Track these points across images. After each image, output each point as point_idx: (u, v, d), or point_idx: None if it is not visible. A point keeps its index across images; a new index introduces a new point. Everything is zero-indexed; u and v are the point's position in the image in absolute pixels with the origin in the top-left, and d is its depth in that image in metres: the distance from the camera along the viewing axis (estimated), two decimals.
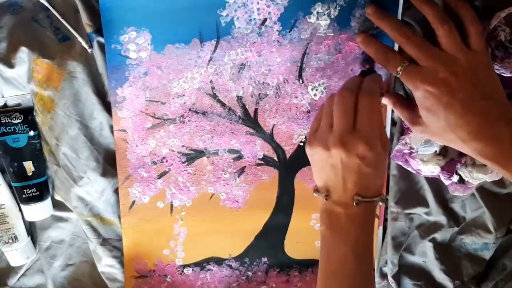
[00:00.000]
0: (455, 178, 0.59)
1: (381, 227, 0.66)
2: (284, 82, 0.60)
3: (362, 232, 0.49)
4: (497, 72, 0.55)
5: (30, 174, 0.62)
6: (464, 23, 0.47)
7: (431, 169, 0.59)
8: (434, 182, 0.63)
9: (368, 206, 0.49)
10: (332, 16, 0.57)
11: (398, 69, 0.48)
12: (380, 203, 0.50)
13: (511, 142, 0.44)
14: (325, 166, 0.48)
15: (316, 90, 0.61)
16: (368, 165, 0.46)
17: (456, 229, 0.65)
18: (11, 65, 0.59)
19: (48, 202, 0.64)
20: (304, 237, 0.66)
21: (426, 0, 0.47)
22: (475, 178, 0.58)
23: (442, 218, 0.65)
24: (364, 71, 0.59)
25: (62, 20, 0.58)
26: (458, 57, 0.45)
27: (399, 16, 0.57)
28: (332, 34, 0.58)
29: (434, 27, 0.46)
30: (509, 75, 0.55)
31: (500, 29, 0.54)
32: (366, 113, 0.46)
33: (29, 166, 0.61)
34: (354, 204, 0.47)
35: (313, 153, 0.49)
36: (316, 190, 0.52)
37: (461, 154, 0.59)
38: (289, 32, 0.58)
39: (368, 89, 0.48)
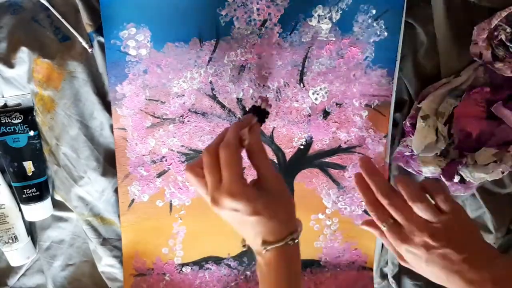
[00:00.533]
0: (457, 178, 0.59)
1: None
2: (285, 85, 0.60)
3: (281, 277, 0.47)
4: (498, 72, 0.55)
5: (30, 174, 0.62)
6: (431, 195, 0.50)
7: (432, 170, 0.59)
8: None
9: (280, 250, 0.47)
10: (334, 20, 0.57)
11: (383, 225, 0.51)
12: (291, 243, 0.47)
13: (493, 284, 0.45)
14: (226, 220, 0.47)
15: (317, 94, 0.60)
16: (248, 214, 0.44)
17: None
18: (11, 65, 0.59)
19: (48, 202, 0.64)
20: (303, 238, 0.64)
21: (405, 182, 0.50)
22: (476, 178, 0.57)
23: None
24: (254, 106, 0.55)
25: (63, 20, 0.58)
26: (434, 221, 0.49)
27: (403, 16, 0.57)
28: (334, 39, 0.58)
29: (411, 205, 0.49)
30: (510, 74, 0.55)
31: (500, 28, 0.54)
32: (226, 166, 0.45)
33: (29, 166, 0.61)
34: (264, 252, 0.46)
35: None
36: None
37: (462, 155, 0.59)
38: (290, 34, 0.58)
39: (225, 142, 0.46)
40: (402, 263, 0.54)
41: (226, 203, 0.44)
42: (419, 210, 0.49)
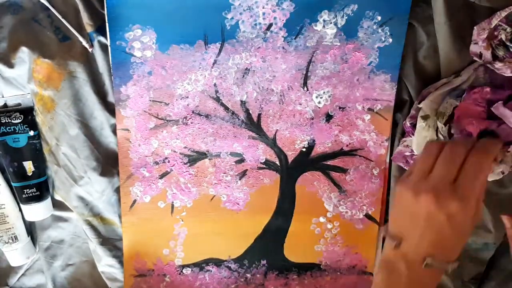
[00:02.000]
0: None
1: (382, 229, 0.67)
2: (289, 89, 0.60)
3: None
4: (498, 72, 0.55)
5: (30, 174, 0.61)
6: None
7: None
8: None
9: (436, 271, 0.43)
10: (339, 25, 0.57)
11: None
12: (450, 270, 0.43)
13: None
14: (407, 212, 0.43)
15: (321, 98, 0.61)
16: (454, 227, 0.41)
17: None
18: (11, 65, 0.58)
19: (48, 202, 0.64)
20: (304, 241, 0.67)
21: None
22: None
23: None
24: (483, 131, 0.53)
25: (63, 20, 0.57)
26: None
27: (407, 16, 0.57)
28: (338, 44, 0.58)
29: None
30: (510, 74, 0.55)
31: (500, 28, 0.54)
32: (473, 171, 0.41)
33: (29, 166, 0.61)
34: (423, 266, 0.42)
35: (400, 195, 0.44)
36: (388, 235, 0.46)
37: None
38: (295, 39, 0.58)
39: (483, 148, 0.43)
40: None
41: (451, 203, 0.40)
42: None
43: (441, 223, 0.41)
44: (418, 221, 0.42)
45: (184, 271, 0.68)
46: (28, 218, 0.63)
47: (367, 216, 0.66)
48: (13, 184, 0.62)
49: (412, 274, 0.43)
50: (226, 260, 0.68)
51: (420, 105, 0.58)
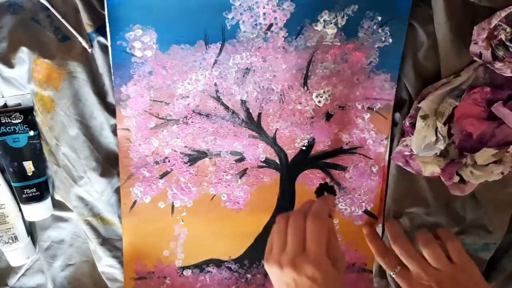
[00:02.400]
0: (456, 178, 0.59)
1: (380, 225, 0.67)
2: (289, 88, 0.60)
3: None
4: (498, 71, 0.55)
5: (30, 174, 0.61)
6: (443, 241, 0.55)
7: (432, 170, 0.59)
8: (434, 182, 0.63)
9: None
10: (339, 25, 0.57)
11: (392, 273, 0.57)
12: None
13: None
14: (282, 284, 0.48)
15: (321, 97, 0.61)
16: (319, 286, 0.46)
17: (456, 229, 0.66)
18: (11, 65, 0.58)
19: (48, 202, 0.64)
20: None
21: (422, 231, 0.57)
22: (476, 178, 0.58)
23: (442, 219, 0.65)
24: (322, 185, 0.62)
25: (63, 20, 0.57)
26: (442, 269, 0.53)
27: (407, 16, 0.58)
28: (338, 44, 0.58)
29: (422, 249, 0.55)
30: (510, 74, 0.55)
31: (500, 28, 0.54)
32: (313, 236, 0.47)
33: (29, 166, 0.61)
34: None
35: (270, 272, 0.50)
36: None
37: (462, 155, 0.59)
38: (295, 39, 0.58)
39: (315, 212, 0.49)
40: None
41: (307, 270, 0.45)
42: (429, 255, 0.54)
43: (308, 286, 0.46)
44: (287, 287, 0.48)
45: (184, 272, 0.68)
46: (28, 218, 0.63)
47: (366, 212, 0.66)
48: (13, 184, 0.62)
49: None
50: (226, 261, 0.68)
51: (419, 105, 0.59)
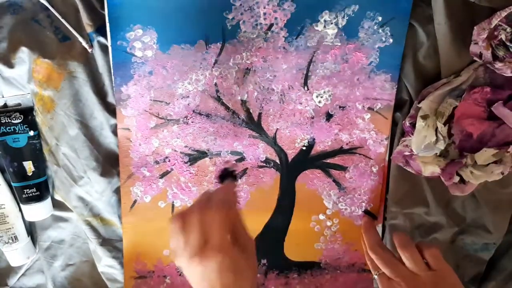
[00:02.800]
0: (456, 178, 0.59)
1: (380, 225, 0.67)
2: (289, 88, 0.60)
3: None
4: (498, 72, 0.56)
5: (30, 174, 0.61)
6: (421, 250, 0.55)
7: (432, 170, 0.60)
8: (434, 182, 0.63)
9: None
10: (340, 26, 0.57)
11: (375, 274, 0.59)
12: None
13: None
14: (195, 277, 0.48)
15: (321, 97, 0.61)
16: (230, 271, 0.46)
17: (456, 229, 0.66)
18: (11, 65, 0.58)
19: (48, 202, 0.64)
20: (304, 239, 0.67)
21: (398, 233, 0.57)
22: (476, 178, 0.58)
23: (442, 218, 0.65)
24: (223, 171, 0.60)
25: (63, 20, 0.57)
26: (420, 274, 0.53)
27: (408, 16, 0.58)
28: (339, 44, 0.58)
29: (399, 252, 0.55)
30: (510, 74, 0.55)
31: (500, 28, 0.54)
32: (213, 227, 0.47)
33: (29, 166, 0.61)
34: None
35: (182, 268, 0.49)
36: None
37: (462, 155, 0.59)
38: (296, 39, 0.58)
39: (214, 204, 0.49)
40: None
41: (216, 257, 0.45)
42: (407, 259, 0.54)
43: (218, 273, 0.46)
44: (202, 279, 0.47)
45: None
46: (28, 218, 0.63)
47: (366, 211, 0.66)
48: (13, 184, 0.62)
49: None
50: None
51: (419, 105, 0.59)
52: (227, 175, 0.59)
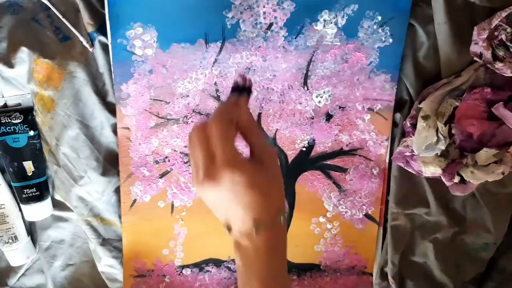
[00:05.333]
0: (457, 179, 0.59)
1: (381, 228, 0.66)
2: (289, 88, 0.60)
3: (271, 263, 0.45)
4: (498, 72, 0.55)
5: (30, 174, 0.61)
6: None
7: (433, 170, 0.59)
8: (434, 183, 0.63)
9: (271, 232, 0.44)
10: (339, 25, 0.57)
11: None
12: (282, 222, 0.45)
13: None
14: (212, 201, 0.45)
15: (321, 97, 0.61)
16: (246, 187, 0.42)
17: (456, 229, 0.65)
18: (11, 65, 0.58)
19: (48, 202, 0.64)
20: (304, 241, 0.66)
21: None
22: (476, 178, 0.58)
23: (442, 219, 0.64)
24: (236, 85, 0.50)
25: (63, 20, 0.57)
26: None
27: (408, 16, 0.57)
28: (338, 43, 0.58)
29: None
30: (510, 74, 0.55)
31: (501, 28, 0.54)
32: (221, 139, 0.43)
33: (29, 166, 0.61)
34: (254, 233, 0.43)
35: (197, 193, 0.47)
36: (224, 226, 0.47)
37: (462, 155, 0.59)
38: (295, 38, 0.58)
39: (217, 117, 0.44)
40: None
41: (225, 174, 0.41)
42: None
43: (234, 193, 0.42)
44: (221, 203, 0.44)
45: (183, 271, 0.67)
46: (28, 218, 0.63)
47: (367, 216, 0.66)
48: (13, 184, 0.62)
49: (255, 241, 0.44)
50: (226, 261, 0.67)
51: (420, 105, 0.58)
52: (238, 89, 0.50)
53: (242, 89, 0.49)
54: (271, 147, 0.46)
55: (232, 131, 0.44)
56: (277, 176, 0.46)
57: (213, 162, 0.42)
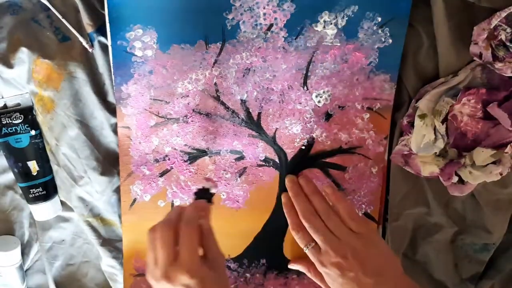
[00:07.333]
0: (455, 179, 0.60)
1: (380, 227, 0.67)
2: (289, 88, 0.60)
3: None
4: (498, 72, 0.56)
5: (35, 173, 0.61)
6: (340, 215, 0.56)
7: (431, 170, 0.60)
8: (434, 183, 0.63)
9: None
10: (339, 26, 0.58)
11: (306, 247, 0.57)
12: None
13: None
14: None
15: (320, 97, 0.61)
16: None
17: (456, 229, 0.66)
18: (10, 66, 0.58)
19: (56, 200, 0.64)
20: None
21: (306, 178, 0.59)
22: (474, 178, 0.59)
23: (442, 219, 0.65)
24: (200, 189, 0.58)
25: (63, 20, 0.57)
26: (347, 240, 0.53)
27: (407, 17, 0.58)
28: (338, 44, 0.58)
29: (309, 195, 0.58)
30: (510, 74, 0.55)
31: (500, 28, 0.55)
32: (186, 243, 0.46)
33: (33, 165, 0.61)
34: None
35: (151, 283, 0.49)
36: None
37: (460, 155, 0.60)
38: (295, 39, 0.58)
39: (186, 220, 0.48)
40: (323, 287, 0.58)
41: (181, 279, 0.45)
42: (318, 203, 0.56)
43: None
44: None
45: None
46: (37, 218, 0.64)
47: (366, 214, 0.66)
48: (19, 185, 0.62)
49: None
50: (225, 260, 0.68)
51: (417, 104, 0.59)
52: (203, 195, 0.57)
53: (206, 194, 0.57)
54: (222, 253, 0.50)
55: (198, 236, 0.48)
56: (226, 282, 0.50)
57: (173, 264, 0.45)
